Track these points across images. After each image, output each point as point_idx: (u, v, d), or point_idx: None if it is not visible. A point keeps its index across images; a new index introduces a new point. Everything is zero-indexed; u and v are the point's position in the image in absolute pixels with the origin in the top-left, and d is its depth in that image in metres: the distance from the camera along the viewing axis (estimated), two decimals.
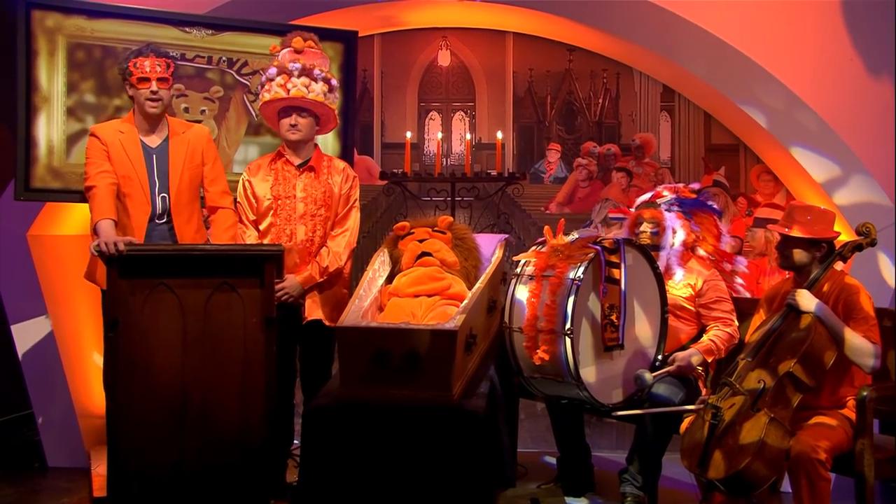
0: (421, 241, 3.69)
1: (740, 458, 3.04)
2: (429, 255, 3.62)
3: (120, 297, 3.14)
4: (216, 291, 3.17)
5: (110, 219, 3.33)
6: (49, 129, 3.95)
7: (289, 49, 3.77)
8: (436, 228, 3.78)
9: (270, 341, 3.19)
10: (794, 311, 3.27)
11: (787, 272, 3.53)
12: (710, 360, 3.72)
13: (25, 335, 4.49)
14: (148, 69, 3.51)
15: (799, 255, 3.35)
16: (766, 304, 3.53)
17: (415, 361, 3.04)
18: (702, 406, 3.28)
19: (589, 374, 3.42)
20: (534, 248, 3.67)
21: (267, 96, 3.74)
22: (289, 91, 3.70)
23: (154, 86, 3.52)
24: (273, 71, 3.74)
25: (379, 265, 3.72)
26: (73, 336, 4.53)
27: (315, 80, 3.74)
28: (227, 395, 3.16)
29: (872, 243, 3.33)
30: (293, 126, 3.73)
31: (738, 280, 4.03)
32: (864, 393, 3.19)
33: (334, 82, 3.84)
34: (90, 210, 3.43)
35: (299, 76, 3.71)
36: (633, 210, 4.05)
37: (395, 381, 3.05)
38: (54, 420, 4.52)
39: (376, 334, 3.09)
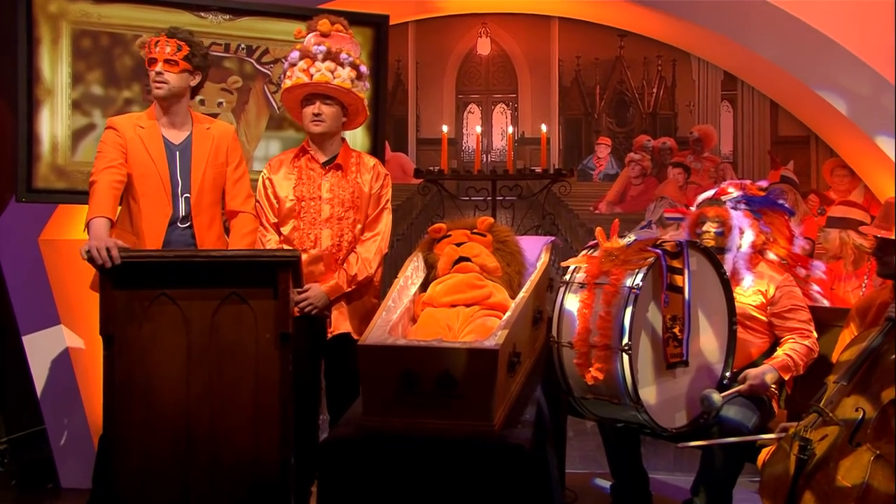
0: (459, 244, 3.48)
1: (839, 503, 2.66)
2: (467, 260, 3.41)
3: (115, 309, 2.94)
4: (224, 303, 2.96)
5: (105, 217, 3.17)
6: (53, 124, 3.86)
7: (314, 33, 3.58)
8: (475, 231, 3.56)
9: (286, 359, 2.98)
10: None
11: (885, 279, 3.23)
12: (786, 378, 3.45)
13: (38, 346, 4.38)
14: (157, 50, 3.39)
15: None
16: (858, 317, 3.25)
17: (449, 385, 2.76)
18: (783, 434, 2.96)
19: (649, 394, 3.17)
20: (584, 252, 3.43)
21: (288, 83, 3.55)
22: (312, 76, 3.49)
23: (159, 66, 3.39)
24: (296, 55, 3.54)
25: (412, 271, 3.49)
26: (88, 347, 4.38)
27: (342, 64, 3.52)
28: (238, 420, 2.97)
29: None
30: (317, 116, 3.53)
31: (815, 287, 3.76)
32: None
33: (363, 69, 3.62)
34: (89, 201, 3.30)
35: (324, 60, 3.50)
36: (693, 209, 3.82)
37: (427, 408, 2.78)
38: (68, 438, 4.39)
39: (404, 353, 2.81)
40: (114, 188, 3.27)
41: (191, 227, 3.44)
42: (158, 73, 3.37)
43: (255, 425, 2.96)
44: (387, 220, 3.66)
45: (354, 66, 3.55)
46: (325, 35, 3.54)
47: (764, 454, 3.07)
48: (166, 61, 3.37)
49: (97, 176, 3.30)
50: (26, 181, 3.78)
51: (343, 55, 3.52)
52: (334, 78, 3.49)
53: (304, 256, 3.50)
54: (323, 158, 3.60)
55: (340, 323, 3.57)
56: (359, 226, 3.60)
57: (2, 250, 4.36)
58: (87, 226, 3.16)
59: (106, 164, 3.31)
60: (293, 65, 3.53)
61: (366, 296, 3.62)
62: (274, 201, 3.58)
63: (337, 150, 3.62)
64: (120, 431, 2.95)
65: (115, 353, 2.95)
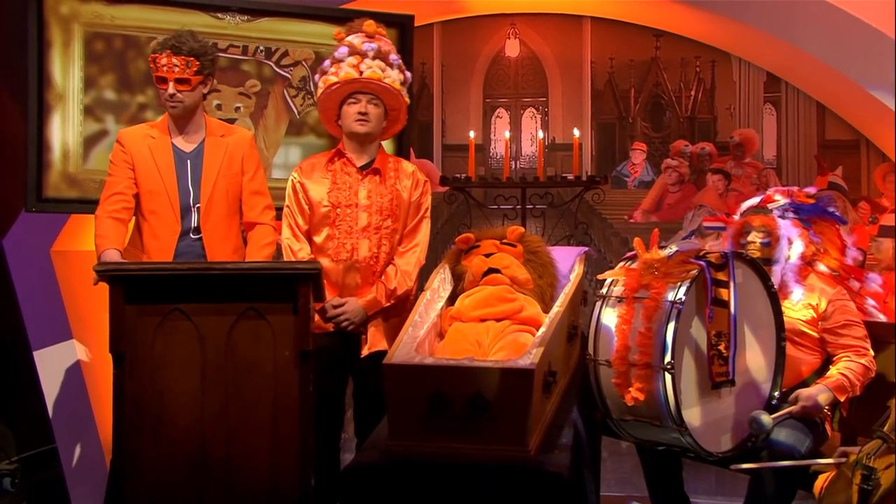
0: (487, 255, 3.39)
1: None
2: (497, 271, 3.33)
3: (126, 325, 2.86)
4: (241, 319, 2.87)
5: (114, 249, 3.22)
6: (64, 130, 3.80)
7: (358, 34, 3.48)
8: (504, 241, 3.47)
9: (306, 378, 2.87)
10: None
11: None
12: (841, 400, 3.29)
13: (49, 362, 4.31)
14: (165, 69, 3.29)
15: None
16: None
17: (481, 407, 2.66)
18: (843, 460, 2.81)
19: (693, 416, 3.05)
20: (622, 263, 3.33)
21: (333, 78, 3.41)
22: (362, 73, 3.38)
23: (171, 88, 3.30)
24: (344, 50, 3.42)
25: (438, 284, 3.40)
26: (101, 363, 4.25)
27: (391, 66, 3.43)
28: (255, 444, 2.88)
29: None
30: (363, 115, 3.40)
31: (869, 301, 3.61)
32: None
33: (409, 74, 3.54)
34: (95, 237, 3.32)
35: (374, 58, 3.40)
36: (737, 217, 3.69)
37: (457, 432, 2.68)
38: (80, 457, 4.33)
39: (433, 373, 2.71)
40: (119, 220, 3.31)
41: (201, 238, 3.37)
42: (172, 95, 3.30)
43: (273, 449, 2.87)
44: (426, 230, 3.55)
45: (402, 70, 3.48)
46: (370, 36, 3.46)
47: (821, 481, 2.91)
48: (178, 80, 3.29)
49: (101, 209, 3.32)
50: (36, 190, 3.72)
51: (392, 56, 3.45)
52: (385, 77, 3.40)
53: (339, 266, 3.44)
54: (360, 162, 3.47)
55: (377, 340, 3.44)
56: (397, 235, 3.50)
57: (12, 262, 4.29)
58: (99, 258, 3.17)
59: (111, 193, 3.33)
60: (339, 61, 3.41)
61: (403, 312, 3.47)
62: (305, 207, 3.45)
63: (374, 154, 3.50)
64: (130, 454, 2.86)
65: (125, 371, 2.86)
